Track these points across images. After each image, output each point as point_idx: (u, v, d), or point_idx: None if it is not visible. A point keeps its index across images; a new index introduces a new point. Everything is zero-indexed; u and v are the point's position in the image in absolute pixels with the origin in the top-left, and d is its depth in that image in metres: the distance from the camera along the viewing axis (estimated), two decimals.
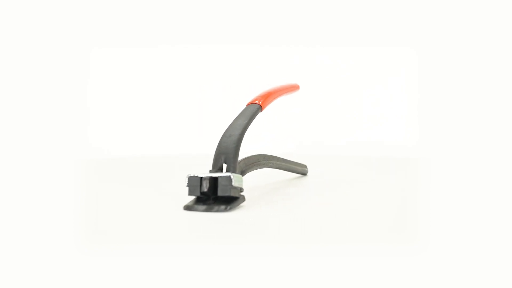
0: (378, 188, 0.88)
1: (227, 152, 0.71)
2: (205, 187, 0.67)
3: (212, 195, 0.68)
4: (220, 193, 0.67)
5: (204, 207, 0.67)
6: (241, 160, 0.75)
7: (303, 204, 0.75)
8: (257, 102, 0.80)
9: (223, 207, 0.67)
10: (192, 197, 0.70)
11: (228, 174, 0.68)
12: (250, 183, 0.86)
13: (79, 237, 0.57)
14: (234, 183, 0.67)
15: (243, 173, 0.74)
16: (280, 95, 0.86)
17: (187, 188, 0.68)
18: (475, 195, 0.75)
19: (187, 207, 0.68)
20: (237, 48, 1.44)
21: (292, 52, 1.45)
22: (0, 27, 1.16)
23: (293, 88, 0.92)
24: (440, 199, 0.75)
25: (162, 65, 1.45)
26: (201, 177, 0.67)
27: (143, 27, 1.35)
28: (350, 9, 1.36)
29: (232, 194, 0.68)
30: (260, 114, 0.80)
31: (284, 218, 0.67)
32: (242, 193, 0.70)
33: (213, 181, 0.68)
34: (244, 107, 0.80)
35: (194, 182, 0.68)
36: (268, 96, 0.82)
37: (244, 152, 0.78)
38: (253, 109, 0.78)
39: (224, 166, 0.70)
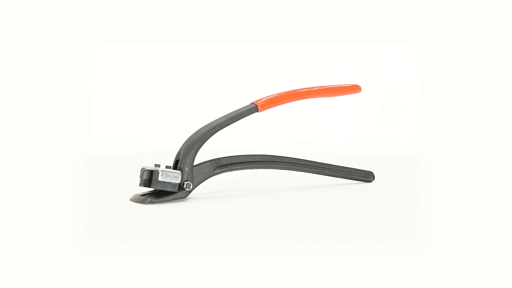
0: (378, 187, 0.88)
1: (185, 148, 0.74)
2: (142, 179, 0.71)
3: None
4: (151, 186, 0.71)
5: (140, 198, 0.73)
6: (218, 159, 0.76)
7: (302, 203, 0.76)
8: (257, 102, 0.79)
9: (148, 199, 0.72)
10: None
11: (158, 168, 0.71)
12: (254, 181, 0.86)
13: (78, 237, 0.58)
14: (160, 178, 0.71)
15: (217, 171, 0.76)
16: (300, 98, 0.83)
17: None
18: (475, 194, 0.75)
19: (132, 197, 0.74)
20: (240, 47, 1.44)
21: (291, 50, 1.45)
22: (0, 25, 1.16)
23: (338, 90, 0.88)
24: (440, 198, 0.75)
25: (165, 62, 1.45)
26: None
27: (144, 24, 1.35)
28: (350, 7, 1.36)
29: (160, 188, 0.71)
30: (267, 114, 0.80)
31: (283, 217, 0.67)
32: (187, 189, 0.73)
33: (151, 174, 0.72)
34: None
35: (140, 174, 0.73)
36: (274, 98, 0.80)
37: (240, 151, 0.80)
38: (245, 109, 0.78)
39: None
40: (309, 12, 1.37)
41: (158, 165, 0.72)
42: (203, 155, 0.81)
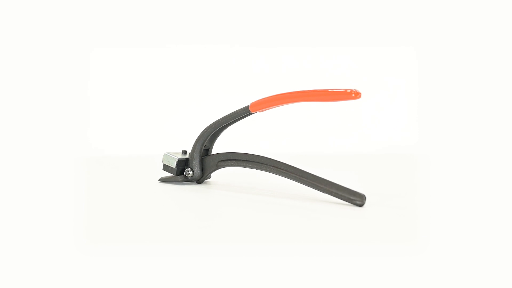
0: (378, 186, 0.88)
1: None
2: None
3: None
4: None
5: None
6: (223, 153, 0.81)
7: (301, 203, 0.76)
8: (249, 104, 0.78)
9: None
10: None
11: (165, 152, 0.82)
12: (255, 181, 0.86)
13: (79, 237, 0.58)
14: (163, 160, 0.82)
15: (221, 164, 0.81)
16: (292, 101, 0.78)
17: None
18: (474, 193, 0.75)
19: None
20: (240, 49, 1.44)
21: (291, 52, 1.45)
22: (0, 27, 1.16)
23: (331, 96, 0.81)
24: (440, 197, 0.75)
25: (165, 65, 1.45)
26: None
27: (144, 27, 1.35)
28: (349, 8, 1.36)
29: (164, 169, 0.82)
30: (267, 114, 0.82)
31: (283, 217, 0.67)
32: (187, 176, 0.81)
33: None
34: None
35: None
36: (268, 99, 0.79)
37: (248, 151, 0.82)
38: (238, 110, 0.79)
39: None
40: (309, 14, 1.38)
41: (185, 151, 0.82)
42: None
